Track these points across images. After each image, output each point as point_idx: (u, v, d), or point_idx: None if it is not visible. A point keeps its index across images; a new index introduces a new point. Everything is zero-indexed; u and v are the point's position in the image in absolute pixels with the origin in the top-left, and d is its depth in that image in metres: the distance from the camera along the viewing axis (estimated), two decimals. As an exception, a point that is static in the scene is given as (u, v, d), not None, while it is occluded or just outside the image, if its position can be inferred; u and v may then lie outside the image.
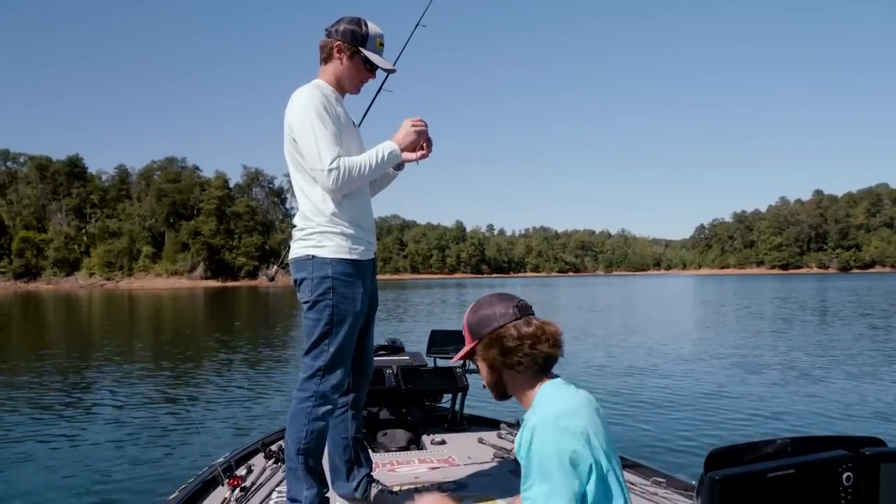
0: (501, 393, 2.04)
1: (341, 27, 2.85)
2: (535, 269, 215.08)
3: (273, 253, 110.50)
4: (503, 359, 1.96)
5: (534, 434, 1.79)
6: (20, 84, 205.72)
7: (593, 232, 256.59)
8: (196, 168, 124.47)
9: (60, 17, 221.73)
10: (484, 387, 2.10)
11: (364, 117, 3.35)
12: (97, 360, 14.45)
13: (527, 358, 1.95)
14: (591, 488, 1.76)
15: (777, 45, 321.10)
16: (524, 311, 1.99)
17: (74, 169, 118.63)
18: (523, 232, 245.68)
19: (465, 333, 2.06)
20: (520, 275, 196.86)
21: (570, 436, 1.75)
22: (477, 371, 2.13)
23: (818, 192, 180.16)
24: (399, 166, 3.11)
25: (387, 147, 2.83)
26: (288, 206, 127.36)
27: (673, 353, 14.08)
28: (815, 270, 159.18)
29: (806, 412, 8.40)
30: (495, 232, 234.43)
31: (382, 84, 3.32)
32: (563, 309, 31.66)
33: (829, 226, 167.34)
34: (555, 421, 1.78)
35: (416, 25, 3.71)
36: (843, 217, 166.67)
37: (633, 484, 3.24)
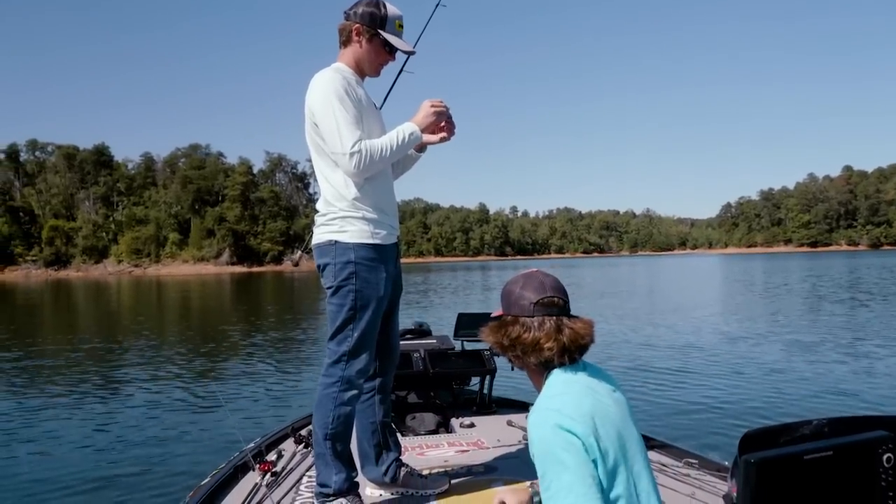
0: (506, 356, 1.97)
1: (360, 9, 2.81)
2: (560, 250, 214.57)
3: (297, 238, 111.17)
4: (499, 349, 1.91)
5: (533, 431, 1.74)
6: (47, 74, 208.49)
7: (617, 212, 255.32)
8: (220, 154, 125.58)
9: (86, 5, 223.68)
10: (512, 368, 2.06)
11: (385, 100, 3.33)
12: (128, 347, 14.67)
13: (517, 360, 1.91)
14: (601, 478, 1.70)
15: (806, 20, 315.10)
16: (545, 308, 1.87)
17: (101, 157, 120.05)
18: (547, 213, 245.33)
19: (502, 299, 1.99)
20: (544, 256, 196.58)
21: (568, 426, 1.68)
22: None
23: (847, 168, 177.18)
24: (421, 149, 3.09)
25: (407, 128, 2.80)
26: (311, 190, 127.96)
27: (704, 333, 13.95)
28: (845, 248, 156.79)
29: (843, 391, 8.25)
30: (519, 214, 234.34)
31: (403, 66, 3.29)
32: (589, 289, 31.53)
33: (859, 202, 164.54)
34: (550, 413, 1.72)
35: (437, 6, 3.66)
36: (874, 193, 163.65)
37: (664, 465, 3.22)
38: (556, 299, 1.89)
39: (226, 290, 45.66)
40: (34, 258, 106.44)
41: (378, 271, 2.78)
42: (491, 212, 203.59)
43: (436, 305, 23.20)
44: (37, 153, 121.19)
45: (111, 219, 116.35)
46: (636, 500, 1.74)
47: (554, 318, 1.87)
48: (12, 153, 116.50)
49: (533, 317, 1.87)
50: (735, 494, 1.73)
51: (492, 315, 2.00)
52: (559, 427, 1.69)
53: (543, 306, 1.87)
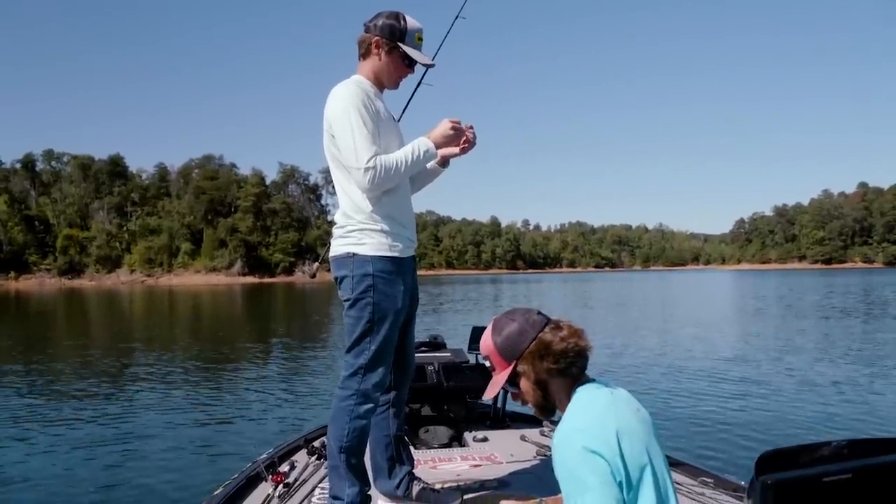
0: (550, 409, 1.93)
1: (379, 22, 2.82)
2: (571, 264, 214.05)
3: (309, 249, 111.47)
4: (556, 365, 1.85)
5: (557, 452, 1.73)
6: (63, 85, 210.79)
7: (630, 226, 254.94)
8: (233, 165, 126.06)
9: (101, 16, 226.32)
10: (523, 403, 2.01)
11: (403, 112, 3.33)
12: (140, 357, 14.72)
13: (578, 357, 1.88)
14: (626, 496, 1.69)
15: (822, 34, 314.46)
16: (544, 316, 1.93)
17: (116, 168, 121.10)
18: (559, 227, 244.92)
19: (495, 360, 1.94)
20: (555, 270, 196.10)
21: (593, 447, 1.68)
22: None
23: (863, 185, 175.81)
24: (444, 163, 3.10)
25: (422, 145, 2.79)
26: (323, 202, 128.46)
27: (722, 350, 13.77)
28: (860, 265, 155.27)
29: (863, 412, 8.07)
30: (530, 227, 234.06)
31: (422, 78, 3.28)
32: (602, 305, 31.40)
33: (875, 219, 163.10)
34: (575, 434, 1.71)
35: (456, 18, 3.68)
36: (890, 210, 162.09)
37: (679, 484, 3.17)
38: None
39: (238, 301, 45.78)
40: (48, 267, 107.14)
41: (396, 284, 2.78)
42: (503, 225, 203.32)
43: (449, 318, 23.13)
44: (52, 163, 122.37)
45: (125, 228, 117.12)
46: None
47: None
48: (28, 163, 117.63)
49: (548, 323, 1.91)
50: (751, 516, 1.70)
51: (495, 372, 1.97)
52: (585, 448, 1.68)
53: (541, 314, 1.94)
